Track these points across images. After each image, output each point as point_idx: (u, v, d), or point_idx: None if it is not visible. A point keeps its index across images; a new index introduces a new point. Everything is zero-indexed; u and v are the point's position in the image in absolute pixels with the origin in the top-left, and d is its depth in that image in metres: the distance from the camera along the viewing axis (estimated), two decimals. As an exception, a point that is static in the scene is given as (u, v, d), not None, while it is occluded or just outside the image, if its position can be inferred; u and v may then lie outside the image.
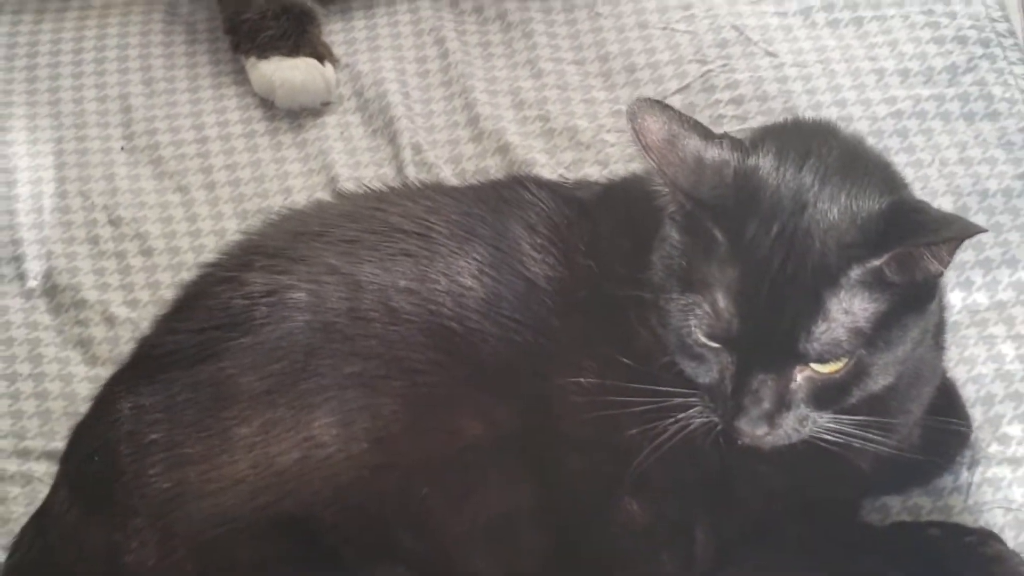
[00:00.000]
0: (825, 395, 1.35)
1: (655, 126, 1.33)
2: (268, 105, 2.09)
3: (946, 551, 1.52)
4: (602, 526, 1.47)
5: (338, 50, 2.14)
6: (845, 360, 1.32)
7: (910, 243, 1.29)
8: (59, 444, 1.71)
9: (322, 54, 2.10)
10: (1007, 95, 1.93)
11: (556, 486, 1.47)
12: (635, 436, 1.43)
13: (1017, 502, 1.58)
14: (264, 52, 2.08)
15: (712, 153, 1.34)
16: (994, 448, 1.61)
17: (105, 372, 1.77)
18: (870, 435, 1.39)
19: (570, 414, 1.47)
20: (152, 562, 1.45)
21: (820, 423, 1.36)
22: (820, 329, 1.30)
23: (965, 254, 1.75)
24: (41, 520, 1.56)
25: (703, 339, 1.34)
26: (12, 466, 1.74)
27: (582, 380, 1.47)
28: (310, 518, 1.42)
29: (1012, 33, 2.03)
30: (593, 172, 1.94)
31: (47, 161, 2.06)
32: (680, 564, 1.48)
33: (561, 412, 1.47)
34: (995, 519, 1.56)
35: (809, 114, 1.90)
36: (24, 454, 1.75)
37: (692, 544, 1.47)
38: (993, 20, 2.03)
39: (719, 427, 1.38)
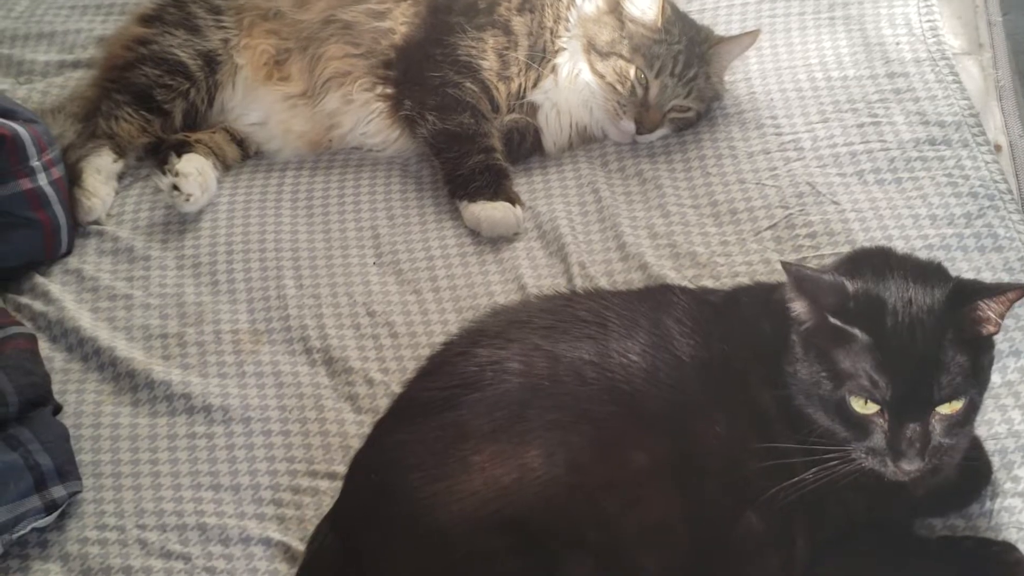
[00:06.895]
0: (953, 429, 1.40)
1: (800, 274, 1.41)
2: (475, 234, 2.11)
3: (978, 557, 1.52)
4: (729, 532, 1.48)
5: (524, 196, 2.16)
6: (964, 399, 1.37)
7: (975, 299, 1.37)
8: (337, 467, 1.76)
9: (513, 199, 2.12)
10: (1008, 235, 1.94)
11: (697, 502, 1.47)
12: (753, 470, 1.46)
13: (1026, 525, 1.58)
14: (473, 197, 2.11)
15: (830, 281, 1.41)
16: (1008, 485, 1.62)
17: (367, 418, 1.81)
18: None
19: (705, 452, 1.48)
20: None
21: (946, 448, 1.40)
22: (945, 380, 1.36)
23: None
24: (329, 521, 1.59)
25: (861, 408, 1.39)
26: (305, 482, 1.76)
27: (716, 427, 1.49)
28: (525, 520, 1.44)
29: (1010, 191, 2.04)
30: (708, 283, 1.94)
31: (322, 271, 2.08)
32: (783, 562, 1.49)
33: (699, 450, 1.48)
34: (1011, 536, 1.56)
35: (866, 246, 1.94)
36: (313, 474, 1.77)
37: (793, 548, 1.49)
38: (996, 181, 2.04)
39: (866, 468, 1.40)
